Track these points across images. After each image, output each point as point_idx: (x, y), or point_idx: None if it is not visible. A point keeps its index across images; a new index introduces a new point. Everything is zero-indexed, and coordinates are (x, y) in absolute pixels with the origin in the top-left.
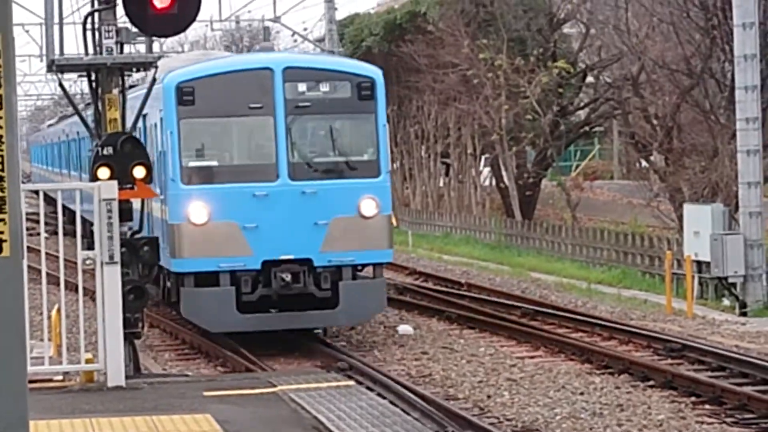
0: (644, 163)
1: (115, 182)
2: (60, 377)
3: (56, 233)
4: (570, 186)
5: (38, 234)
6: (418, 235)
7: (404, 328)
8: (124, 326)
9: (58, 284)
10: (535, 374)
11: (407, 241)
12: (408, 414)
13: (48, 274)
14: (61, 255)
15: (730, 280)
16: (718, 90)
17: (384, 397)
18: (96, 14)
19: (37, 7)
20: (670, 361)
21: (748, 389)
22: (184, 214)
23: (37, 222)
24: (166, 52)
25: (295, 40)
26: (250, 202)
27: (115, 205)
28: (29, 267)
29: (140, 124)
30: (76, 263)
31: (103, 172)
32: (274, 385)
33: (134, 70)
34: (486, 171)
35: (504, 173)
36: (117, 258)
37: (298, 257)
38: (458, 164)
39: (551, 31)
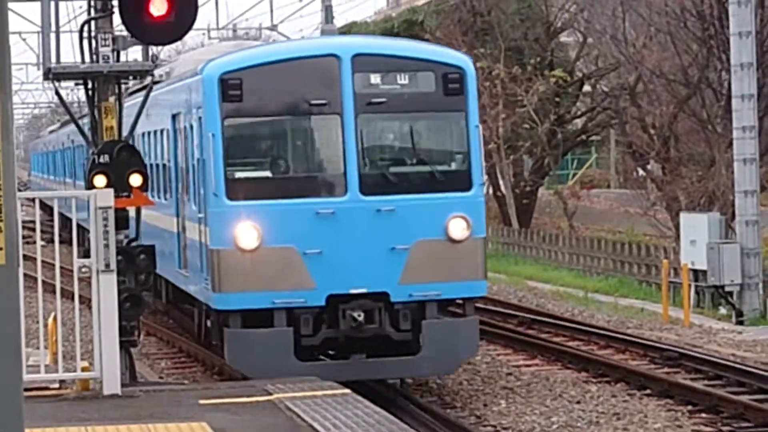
0: (641, 172)
1: (111, 190)
2: (56, 385)
3: (53, 241)
4: (567, 195)
5: (34, 242)
6: None
7: None
8: (121, 334)
9: (55, 292)
10: (531, 383)
11: None
12: (405, 422)
13: (44, 282)
14: (57, 263)
15: (727, 289)
16: (715, 99)
17: (380, 406)
18: (92, 22)
19: (34, 16)
20: (666, 369)
21: (744, 398)
22: (230, 237)
23: (34, 230)
24: (163, 60)
25: None
26: (312, 223)
27: (111, 213)
28: (25, 275)
29: (168, 126)
30: (72, 271)
31: (100, 180)
32: (270, 393)
33: (131, 78)
34: None
35: (501, 182)
36: (113, 266)
37: (371, 291)
38: None
39: (548, 40)
